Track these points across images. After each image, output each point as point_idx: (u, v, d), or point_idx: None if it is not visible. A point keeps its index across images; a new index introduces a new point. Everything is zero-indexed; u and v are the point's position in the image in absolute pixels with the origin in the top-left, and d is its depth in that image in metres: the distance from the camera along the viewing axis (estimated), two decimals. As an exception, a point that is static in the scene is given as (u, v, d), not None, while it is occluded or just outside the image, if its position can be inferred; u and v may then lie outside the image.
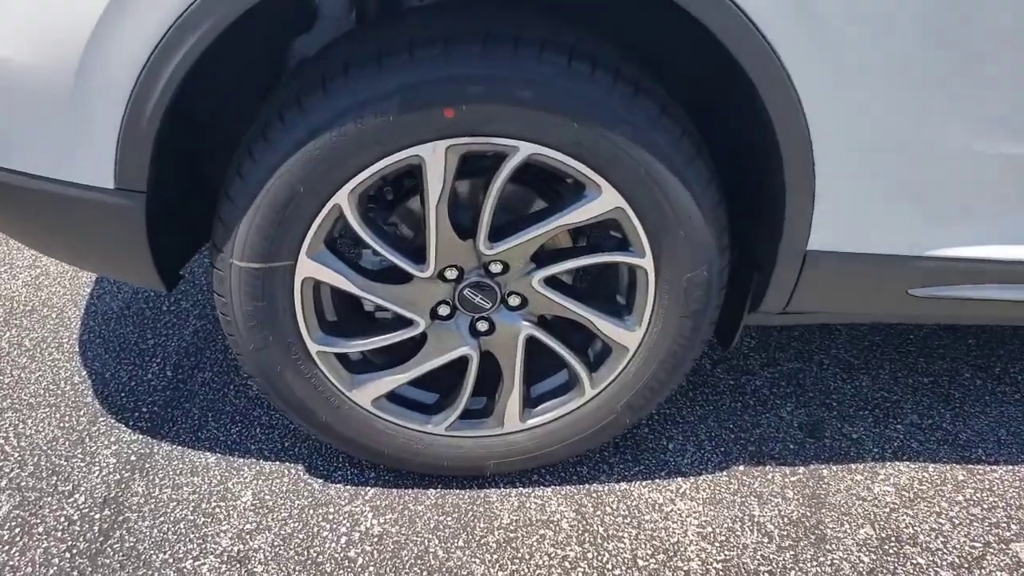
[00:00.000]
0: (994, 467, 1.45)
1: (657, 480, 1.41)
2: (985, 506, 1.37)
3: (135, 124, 1.01)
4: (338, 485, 1.39)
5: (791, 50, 0.98)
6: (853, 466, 1.45)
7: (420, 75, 1.01)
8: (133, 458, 1.42)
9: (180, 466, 1.41)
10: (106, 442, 1.45)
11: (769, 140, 1.06)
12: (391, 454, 1.34)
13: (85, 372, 1.61)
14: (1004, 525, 1.34)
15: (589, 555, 1.27)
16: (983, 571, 1.25)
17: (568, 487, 1.40)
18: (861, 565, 1.26)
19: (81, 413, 1.51)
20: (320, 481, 1.39)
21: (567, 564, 1.26)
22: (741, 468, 1.44)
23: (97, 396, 1.55)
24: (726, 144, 1.23)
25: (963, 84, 1.02)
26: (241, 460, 1.43)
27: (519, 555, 1.27)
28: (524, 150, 1.06)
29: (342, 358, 1.27)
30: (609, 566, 1.25)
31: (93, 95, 1.00)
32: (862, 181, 1.09)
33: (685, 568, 1.25)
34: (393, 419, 1.31)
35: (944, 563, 1.27)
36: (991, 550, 1.29)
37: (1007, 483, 1.42)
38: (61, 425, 1.49)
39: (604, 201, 1.11)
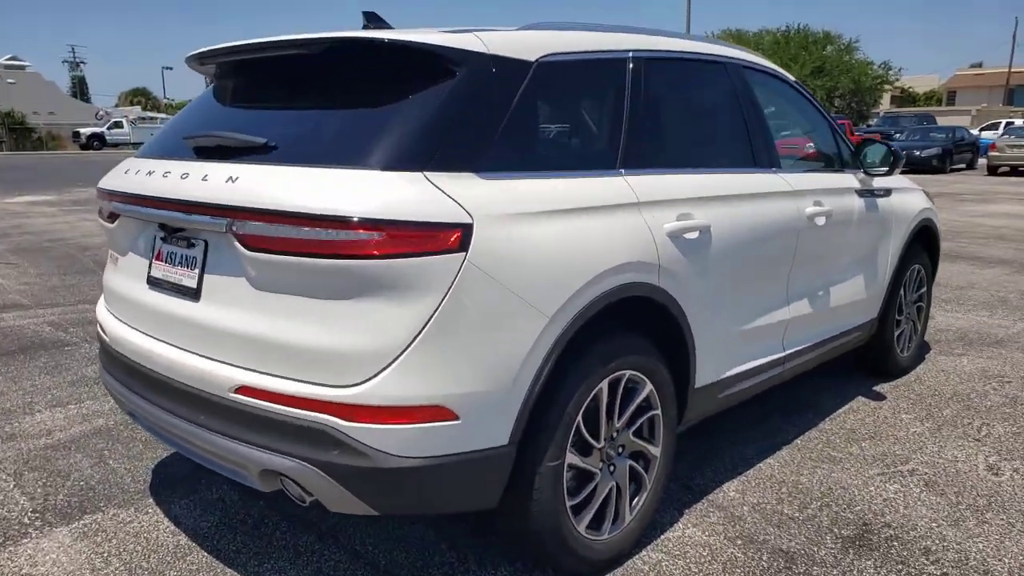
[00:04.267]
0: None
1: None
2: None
3: (526, 405, 2.18)
4: (572, 596, 2.45)
5: (687, 307, 2.73)
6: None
7: (606, 353, 2.45)
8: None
9: None
10: None
11: (679, 336, 2.76)
12: (597, 559, 2.50)
13: None
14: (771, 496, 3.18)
15: (690, 556, 2.64)
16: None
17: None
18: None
19: None
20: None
21: (688, 563, 2.61)
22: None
23: None
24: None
25: (735, 308, 2.98)
26: None
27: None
28: (628, 374, 2.55)
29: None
30: None
31: (513, 395, 2.14)
32: (706, 351, 2.88)
33: (720, 541, 2.73)
34: (591, 536, 2.50)
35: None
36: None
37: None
38: None
39: (647, 389, 2.65)
